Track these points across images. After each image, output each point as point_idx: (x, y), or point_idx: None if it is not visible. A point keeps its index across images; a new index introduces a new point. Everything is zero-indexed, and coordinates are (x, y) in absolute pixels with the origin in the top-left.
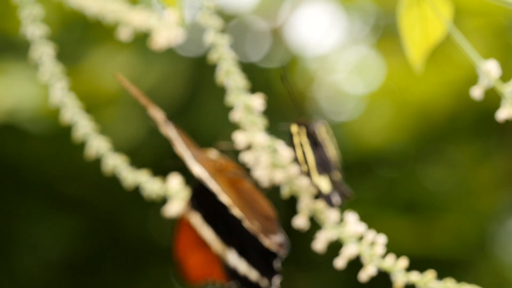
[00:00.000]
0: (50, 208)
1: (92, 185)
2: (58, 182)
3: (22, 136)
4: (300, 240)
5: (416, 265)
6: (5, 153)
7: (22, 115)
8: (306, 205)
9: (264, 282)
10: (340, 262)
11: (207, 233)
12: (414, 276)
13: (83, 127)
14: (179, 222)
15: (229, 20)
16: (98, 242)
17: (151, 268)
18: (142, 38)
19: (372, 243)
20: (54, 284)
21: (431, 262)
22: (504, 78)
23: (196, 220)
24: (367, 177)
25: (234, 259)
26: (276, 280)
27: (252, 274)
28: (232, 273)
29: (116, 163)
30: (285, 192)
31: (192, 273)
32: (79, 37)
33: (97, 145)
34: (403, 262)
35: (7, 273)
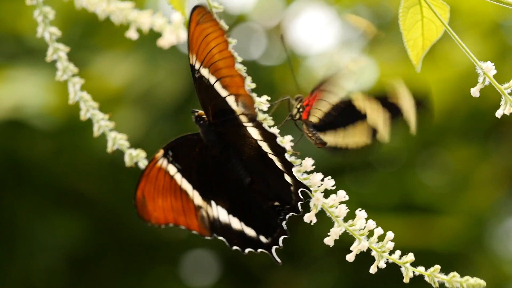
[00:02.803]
0: (56, 205)
1: (98, 182)
2: (63, 179)
3: (28, 132)
4: (300, 240)
5: (416, 259)
6: (11, 149)
7: (28, 112)
8: (317, 202)
9: (268, 240)
10: (351, 256)
11: (186, 186)
12: (422, 269)
13: (101, 122)
14: (149, 168)
15: (232, 19)
16: (103, 239)
17: (156, 265)
18: (149, 38)
19: (380, 238)
20: (59, 280)
21: (429, 257)
22: (500, 76)
23: (172, 172)
24: (365, 171)
25: (224, 216)
26: (281, 240)
27: (249, 231)
28: (213, 227)
29: (135, 155)
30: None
31: (152, 216)
32: (87, 38)
33: (116, 139)
34: (411, 255)
35: (11, 271)
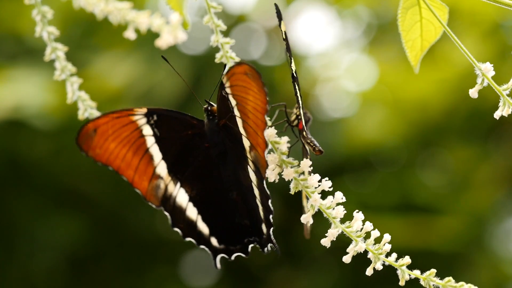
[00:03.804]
0: (56, 205)
1: (98, 182)
2: (63, 179)
3: (28, 132)
4: (300, 241)
5: (415, 259)
6: (11, 149)
7: (28, 111)
8: (314, 203)
9: (219, 246)
10: (347, 258)
11: (155, 152)
12: (417, 272)
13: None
14: (120, 114)
15: (232, 19)
16: (103, 239)
17: (156, 265)
18: (149, 38)
19: (377, 240)
20: (59, 280)
21: (429, 257)
22: (500, 76)
23: (146, 132)
24: (365, 171)
25: (183, 200)
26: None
27: (203, 227)
28: (164, 201)
29: None
30: (293, 187)
31: (93, 150)
32: (86, 38)
33: None
34: (407, 258)
35: (12, 271)
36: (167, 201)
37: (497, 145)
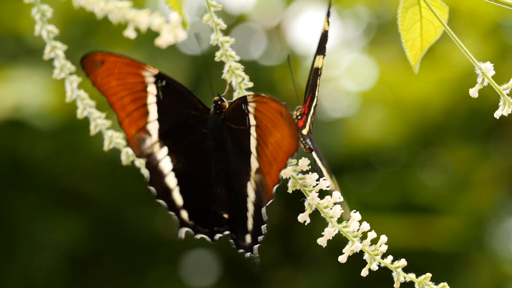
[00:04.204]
0: (56, 205)
1: (98, 182)
2: (63, 179)
3: (28, 132)
4: (300, 241)
5: (415, 260)
6: (11, 149)
7: (28, 111)
8: (312, 201)
9: (187, 220)
10: (343, 258)
11: (152, 111)
12: (413, 276)
13: (98, 120)
14: (131, 64)
15: (232, 19)
16: (103, 239)
17: (156, 265)
18: (149, 37)
19: (374, 241)
20: (59, 280)
21: (429, 257)
22: (500, 76)
23: (150, 90)
24: (365, 171)
25: (165, 167)
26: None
27: (178, 198)
28: (146, 157)
29: (132, 153)
30: (291, 185)
31: (96, 77)
32: (86, 38)
33: (112, 137)
34: (403, 261)
35: (12, 271)
36: (149, 158)
37: (497, 145)
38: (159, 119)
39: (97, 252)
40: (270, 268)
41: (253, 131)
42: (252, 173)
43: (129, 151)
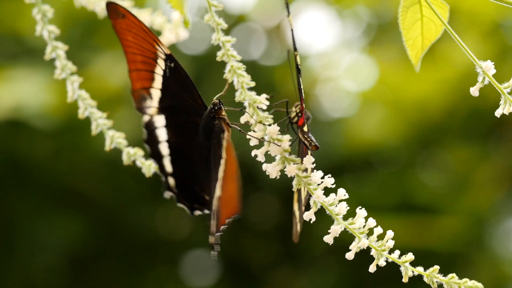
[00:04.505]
0: (56, 205)
1: (98, 182)
2: (63, 179)
3: (28, 132)
4: (300, 240)
5: (415, 259)
6: (11, 149)
7: (28, 112)
8: (317, 199)
9: (172, 185)
10: (350, 255)
11: (158, 81)
12: (421, 269)
13: (99, 120)
14: (150, 34)
15: (232, 19)
16: (103, 239)
17: (156, 265)
18: None
19: (380, 237)
20: (59, 280)
21: (429, 257)
22: (500, 76)
23: (159, 63)
24: (365, 171)
25: (160, 135)
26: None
27: (167, 164)
28: (146, 115)
29: (133, 153)
30: (295, 183)
31: (118, 24)
32: (87, 38)
33: (113, 137)
34: (410, 255)
35: (12, 271)
36: (149, 122)
37: (497, 145)
38: (162, 90)
39: (97, 252)
40: (270, 268)
41: (223, 163)
42: (215, 196)
43: (131, 151)
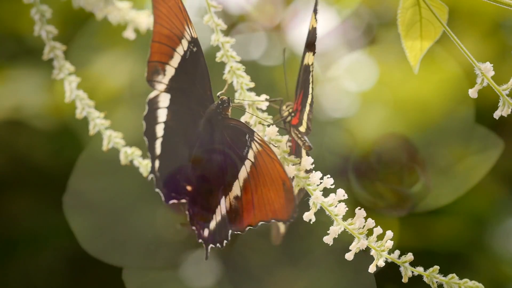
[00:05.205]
0: (56, 205)
1: (98, 182)
2: (64, 179)
3: (28, 132)
4: (300, 241)
5: (415, 259)
6: (11, 149)
7: (28, 112)
8: (316, 200)
9: (157, 174)
10: (349, 255)
11: (175, 59)
12: (421, 269)
13: (96, 120)
14: (181, 11)
15: (232, 19)
16: (104, 239)
17: (158, 265)
18: (149, 38)
19: (380, 237)
20: (59, 280)
21: (429, 257)
22: (500, 76)
23: (183, 42)
24: (365, 171)
25: (160, 116)
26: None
27: (158, 149)
28: (150, 109)
29: (130, 153)
30: (295, 184)
31: (158, 8)
32: (86, 38)
33: (111, 137)
34: (410, 255)
35: (12, 271)
36: (153, 100)
37: (497, 145)
38: (176, 70)
39: (97, 252)
40: (270, 268)
41: (248, 165)
42: (231, 195)
43: (128, 150)
